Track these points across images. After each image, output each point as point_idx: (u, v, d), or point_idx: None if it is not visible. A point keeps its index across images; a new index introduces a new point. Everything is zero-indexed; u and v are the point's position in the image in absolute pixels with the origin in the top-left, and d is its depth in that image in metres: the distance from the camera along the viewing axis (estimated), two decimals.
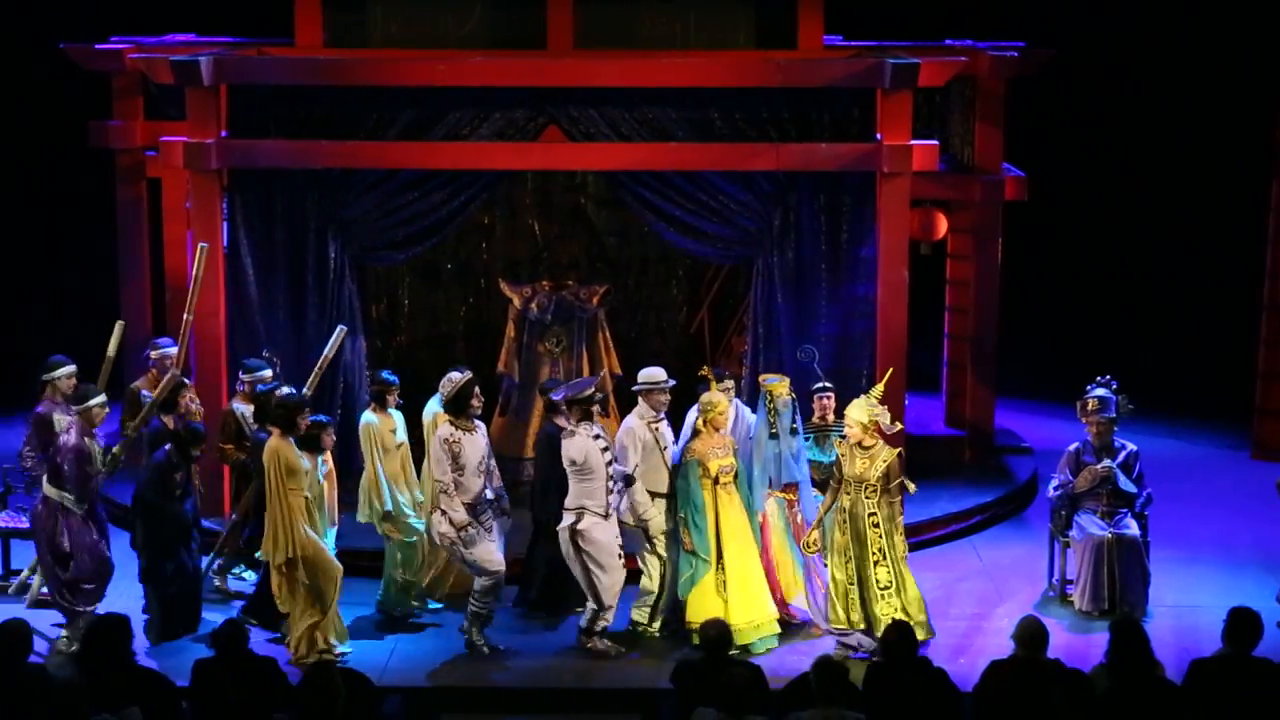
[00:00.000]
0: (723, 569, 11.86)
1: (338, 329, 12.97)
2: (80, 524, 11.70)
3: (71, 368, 12.68)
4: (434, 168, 13.91)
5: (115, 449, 11.99)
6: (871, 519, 11.59)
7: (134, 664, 9.22)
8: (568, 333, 14.73)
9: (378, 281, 15.83)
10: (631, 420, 12.05)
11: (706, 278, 16.17)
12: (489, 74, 13.80)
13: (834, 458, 11.83)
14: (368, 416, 12.26)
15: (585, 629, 11.84)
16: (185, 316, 12.71)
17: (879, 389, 11.91)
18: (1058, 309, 19.92)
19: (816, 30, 14.99)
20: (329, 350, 12.82)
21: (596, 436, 11.70)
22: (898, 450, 11.77)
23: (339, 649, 11.57)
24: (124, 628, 9.24)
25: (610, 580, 11.71)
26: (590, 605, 11.80)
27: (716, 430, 11.99)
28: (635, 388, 12.23)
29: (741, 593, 11.84)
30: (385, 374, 12.43)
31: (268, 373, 12.69)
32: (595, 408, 11.77)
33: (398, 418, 12.32)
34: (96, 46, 15.33)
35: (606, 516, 11.66)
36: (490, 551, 11.74)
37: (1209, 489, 15.58)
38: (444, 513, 11.62)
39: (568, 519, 11.69)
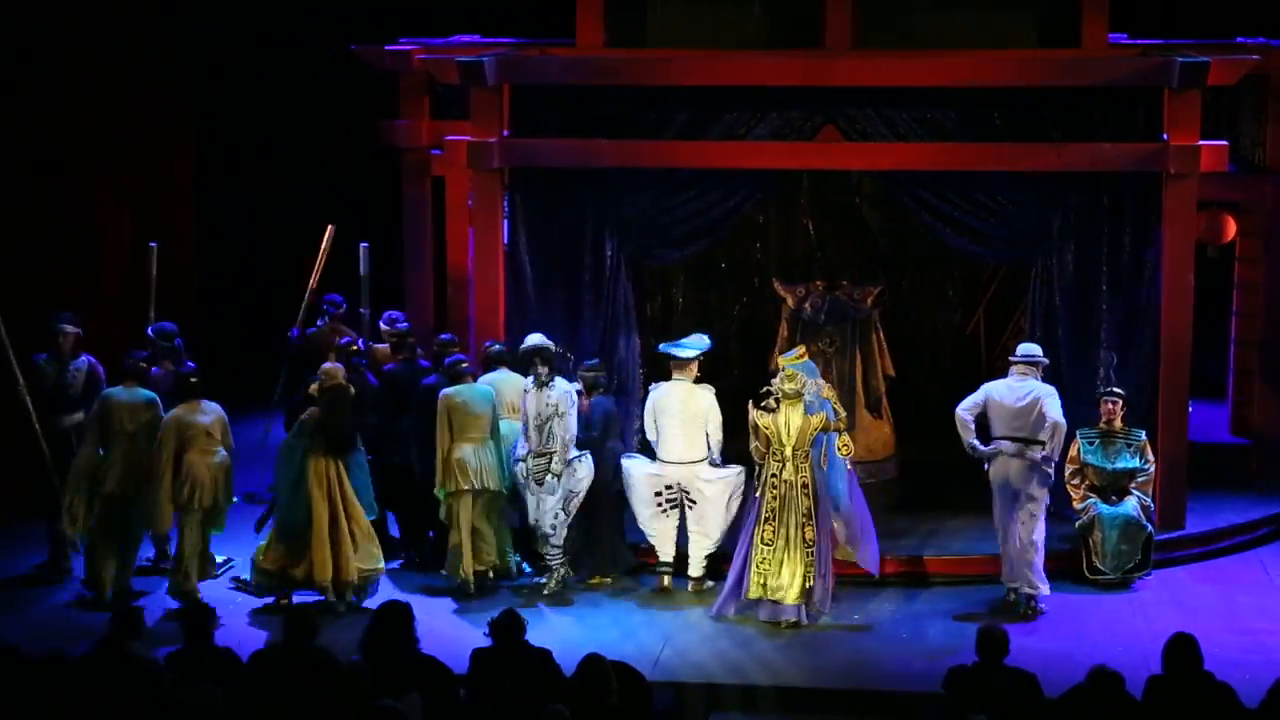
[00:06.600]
0: None
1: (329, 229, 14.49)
2: None
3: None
4: (710, 167, 13.99)
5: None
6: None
7: (416, 651, 9.47)
8: (841, 333, 14.68)
9: (652, 280, 15.97)
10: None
11: (983, 279, 15.96)
12: (766, 74, 13.82)
13: (1117, 466, 11.44)
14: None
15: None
16: (310, 286, 14.23)
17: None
18: None
19: (1101, 28, 14.65)
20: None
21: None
22: None
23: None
24: (407, 615, 9.51)
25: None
26: None
27: None
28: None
29: None
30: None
31: (403, 327, 13.81)
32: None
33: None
34: (386, 48, 15.76)
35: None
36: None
37: None
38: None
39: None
